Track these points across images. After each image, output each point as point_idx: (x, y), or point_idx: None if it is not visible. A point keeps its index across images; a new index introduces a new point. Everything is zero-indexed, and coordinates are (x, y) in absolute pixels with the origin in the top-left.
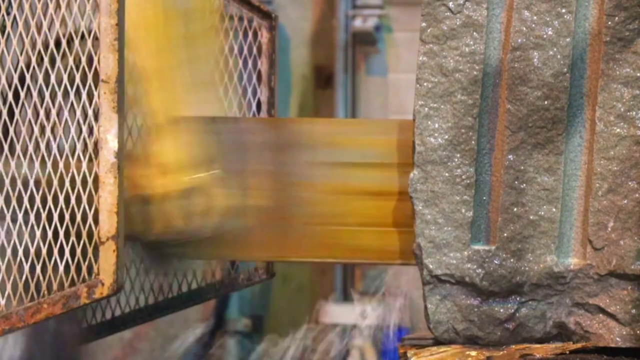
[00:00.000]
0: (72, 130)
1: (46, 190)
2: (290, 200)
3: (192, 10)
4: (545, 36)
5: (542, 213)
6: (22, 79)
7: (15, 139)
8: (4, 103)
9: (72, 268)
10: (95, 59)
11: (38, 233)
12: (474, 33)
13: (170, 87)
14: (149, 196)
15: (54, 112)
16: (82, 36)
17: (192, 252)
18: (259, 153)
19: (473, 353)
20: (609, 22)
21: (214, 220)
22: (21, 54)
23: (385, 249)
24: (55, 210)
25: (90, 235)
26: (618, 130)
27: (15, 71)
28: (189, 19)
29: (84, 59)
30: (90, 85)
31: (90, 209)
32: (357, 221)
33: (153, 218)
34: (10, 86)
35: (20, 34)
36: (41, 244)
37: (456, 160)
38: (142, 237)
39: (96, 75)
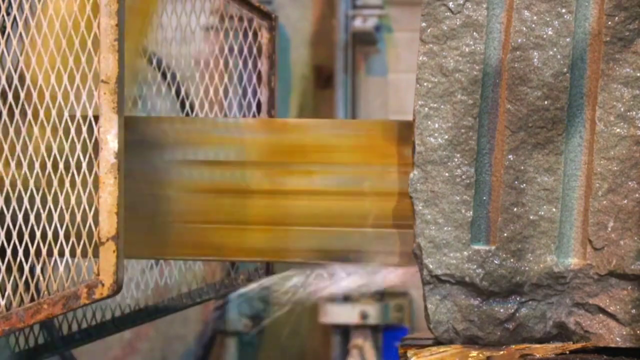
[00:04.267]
0: (72, 130)
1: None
2: (155, 199)
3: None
4: (545, 36)
5: (542, 213)
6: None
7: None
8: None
9: (72, 268)
10: (95, 59)
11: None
12: (474, 33)
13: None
14: None
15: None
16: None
17: None
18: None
19: (473, 353)
20: (609, 22)
21: None
22: (21, 54)
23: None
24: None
25: (90, 235)
26: (618, 130)
27: (16, 71)
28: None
29: (84, 59)
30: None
31: (90, 210)
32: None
33: None
34: (10, 86)
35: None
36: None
37: (456, 160)
38: None
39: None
